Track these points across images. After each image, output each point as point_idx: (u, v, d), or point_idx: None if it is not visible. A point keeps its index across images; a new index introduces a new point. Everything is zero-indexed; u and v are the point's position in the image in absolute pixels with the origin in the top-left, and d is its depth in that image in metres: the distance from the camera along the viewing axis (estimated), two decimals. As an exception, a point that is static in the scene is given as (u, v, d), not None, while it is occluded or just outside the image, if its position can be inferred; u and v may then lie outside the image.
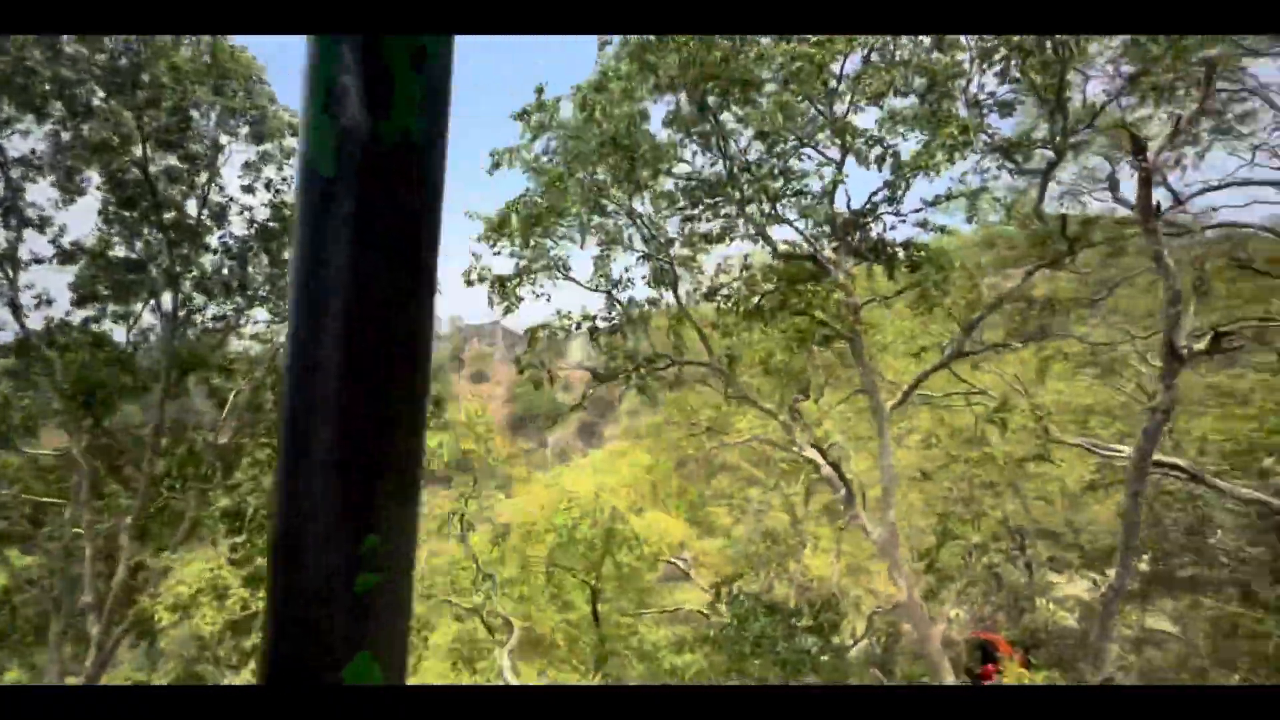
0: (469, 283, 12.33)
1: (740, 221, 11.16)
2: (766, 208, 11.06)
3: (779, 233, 12.24)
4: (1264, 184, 12.50)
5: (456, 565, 14.80)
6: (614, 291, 12.68)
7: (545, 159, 10.93)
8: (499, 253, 12.19)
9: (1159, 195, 9.68)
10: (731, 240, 11.55)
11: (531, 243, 11.62)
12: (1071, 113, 7.80)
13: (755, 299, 13.08)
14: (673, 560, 20.19)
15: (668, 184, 11.64)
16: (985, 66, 9.32)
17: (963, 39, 9.58)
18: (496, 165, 11.05)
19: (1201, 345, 6.95)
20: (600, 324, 12.88)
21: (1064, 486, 20.37)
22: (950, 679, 9.13)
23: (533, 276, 11.65)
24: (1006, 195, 12.83)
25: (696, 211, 12.39)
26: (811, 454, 10.81)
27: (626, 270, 12.08)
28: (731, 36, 8.54)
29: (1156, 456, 13.81)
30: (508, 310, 11.81)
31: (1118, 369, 17.63)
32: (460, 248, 11.56)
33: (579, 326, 13.07)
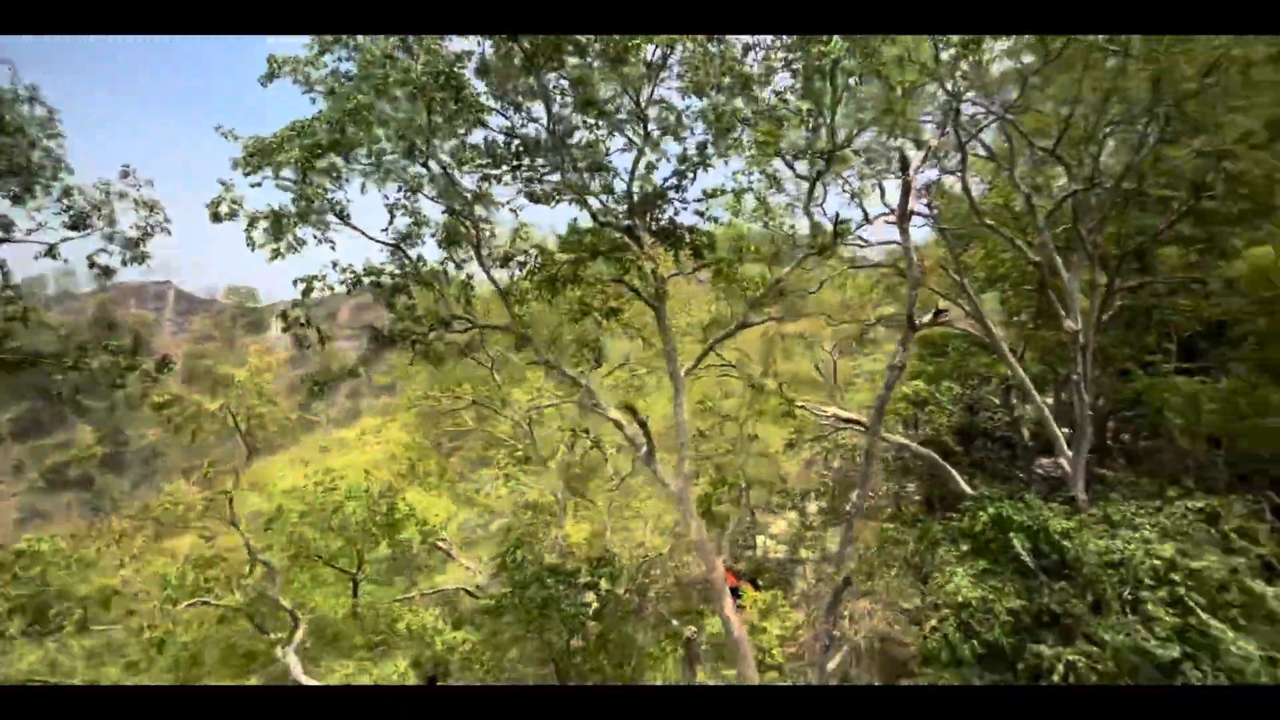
0: (216, 217, 10.01)
1: (560, 186, 11.16)
2: (581, 178, 11.29)
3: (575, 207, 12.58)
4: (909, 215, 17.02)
5: (199, 560, 11.68)
6: (404, 245, 11.55)
7: (336, 81, 9.42)
8: (259, 185, 10.14)
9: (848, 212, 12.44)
10: (556, 204, 11.48)
11: (310, 178, 9.91)
12: (838, 131, 9.82)
13: (553, 268, 13.23)
14: (437, 543, 19.24)
15: (475, 137, 11.04)
16: (767, 84, 10.97)
17: (750, 58, 11.12)
18: (272, 76, 9.15)
19: (926, 319, 9.50)
20: (387, 280, 11.64)
21: (764, 446, 24.99)
22: (729, 600, 10.76)
23: (311, 218, 9.97)
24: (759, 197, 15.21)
25: (499, 171, 12.00)
26: (616, 415, 11.47)
27: (422, 225, 11.10)
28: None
29: (844, 414, 17.93)
30: (277, 255, 9.90)
31: (815, 348, 22.39)
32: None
33: (359, 282, 11.61)
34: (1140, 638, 11.04)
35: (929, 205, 16.64)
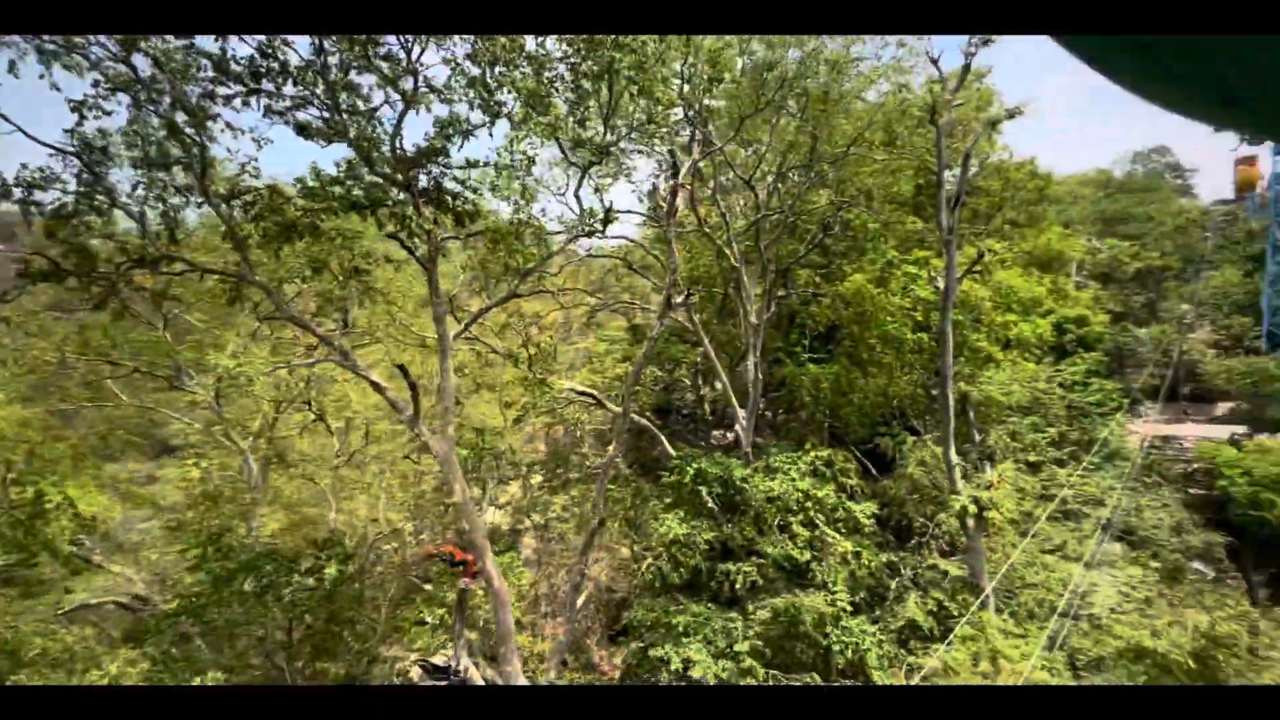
0: None
1: (332, 125, 10.07)
2: (342, 120, 10.40)
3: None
4: (639, 213, 19.60)
5: None
6: (89, 157, 9.05)
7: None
8: None
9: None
10: (328, 144, 10.23)
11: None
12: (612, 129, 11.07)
13: (288, 215, 11.83)
14: (72, 545, 15.02)
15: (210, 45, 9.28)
16: (548, 69, 11.70)
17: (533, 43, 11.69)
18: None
19: (680, 299, 11.33)
20: (55, 196, 8.98)
21: (487, 419, 25.61)
22: (489, 555, 11.18)
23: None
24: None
25: (233, 91, 10.27)
26: (376, 378, 10.80)
27: (144, 139, 8.90)
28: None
29: (577, 386, 19.65)
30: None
31: (547, 329, 23.78)
32: None
33: (7, 193, 8.74)
34: (788, 549, 15.07)
35: (652, 209, 19.33)
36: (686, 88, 12.95)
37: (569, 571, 13.45)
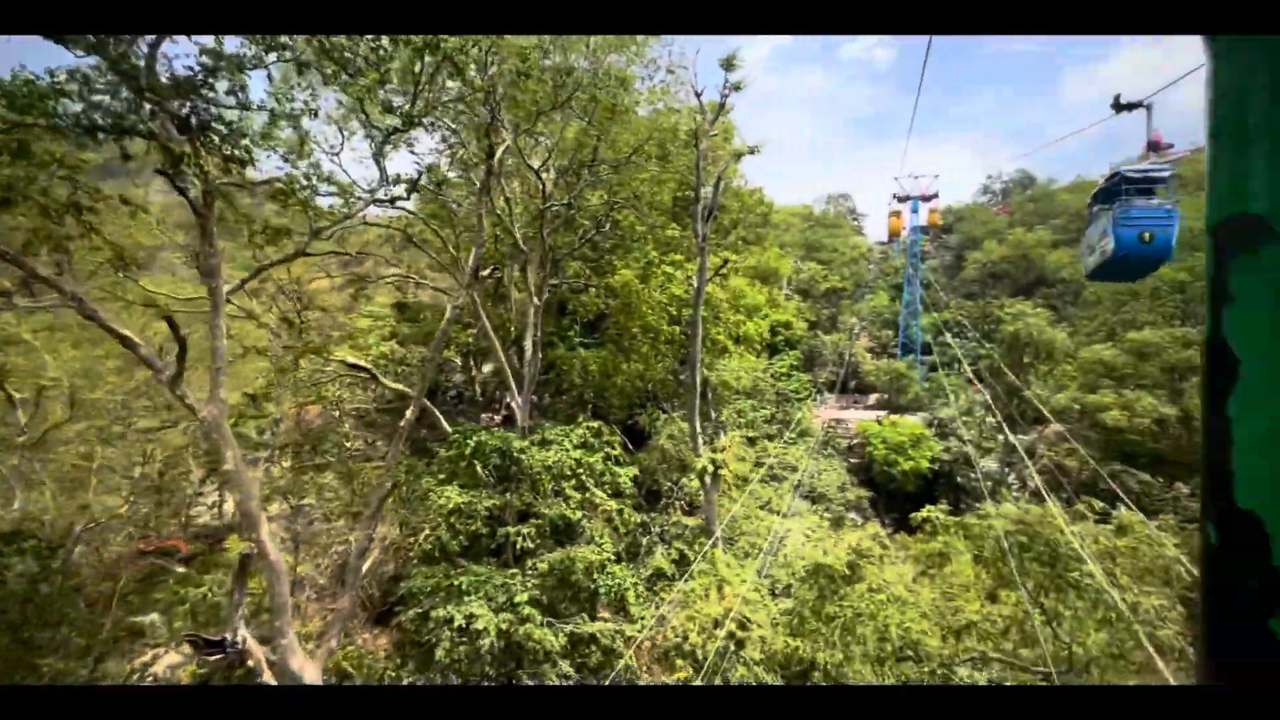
0: None
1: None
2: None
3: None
4: (429, 189, 19.34)
5: None
6: None
7: None
8: None
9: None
10: (64, 45, 8.47)
11: None
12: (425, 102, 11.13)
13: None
14: None
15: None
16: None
17: None
18: None
19: (486, 273, 11.77)
20: None
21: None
22: (264, 527, 10.39)
23: None
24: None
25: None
26: (126, 332, 9.24)
27: None
28: None
29: (350, 360, 18.65)
30: None
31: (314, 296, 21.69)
32: None
33: None
34: (563, 510, 16.63)
35: (438, 185, 19.22)
36: (482, 75, 13.59)
37: (334, 552, 13.03)
